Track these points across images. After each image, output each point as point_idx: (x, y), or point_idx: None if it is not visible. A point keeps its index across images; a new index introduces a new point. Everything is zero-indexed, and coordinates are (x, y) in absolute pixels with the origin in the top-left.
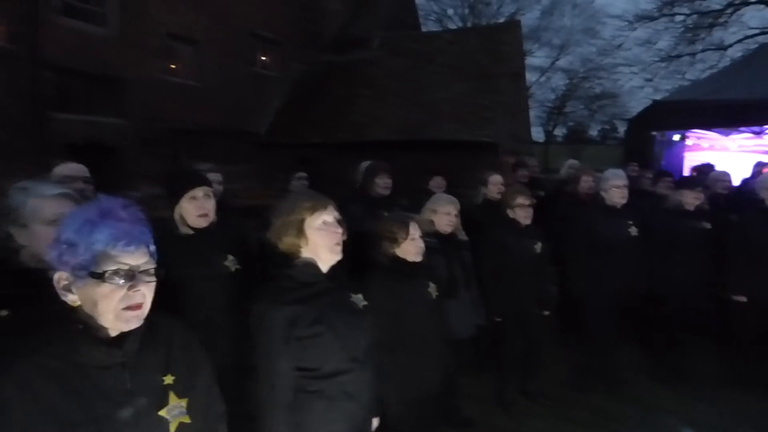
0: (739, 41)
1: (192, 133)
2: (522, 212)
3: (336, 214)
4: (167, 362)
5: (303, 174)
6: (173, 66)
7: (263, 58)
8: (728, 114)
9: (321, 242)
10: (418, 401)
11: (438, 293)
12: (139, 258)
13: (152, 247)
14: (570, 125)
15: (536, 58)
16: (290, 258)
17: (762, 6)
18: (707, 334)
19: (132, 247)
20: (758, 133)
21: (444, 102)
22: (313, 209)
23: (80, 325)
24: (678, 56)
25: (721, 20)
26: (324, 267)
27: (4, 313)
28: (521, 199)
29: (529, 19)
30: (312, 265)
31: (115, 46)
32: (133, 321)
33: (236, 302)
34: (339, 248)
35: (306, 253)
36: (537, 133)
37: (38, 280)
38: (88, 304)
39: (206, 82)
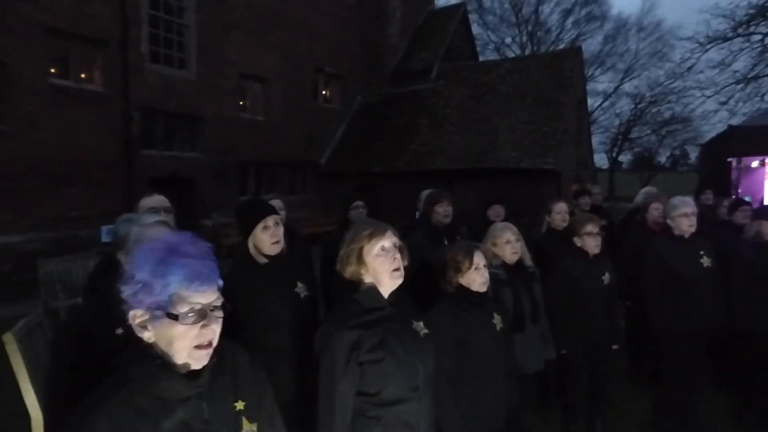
0: None
1: (259, 164)
2: (591, 241)
3: (395, 239)
4: (236, 388)
5: (360, 203)
6: (244, 103)
7: (326, 92)
8: None
9: (380, 268)
10: None
11: (503, 325)
12: (210, 296)
13: (221, 282)
14: (636, 151)
15: (599, 83)
16: (356, 285)
17: None
18: None
19: (204, 286)
20: None
21: (505, 130)
22: (371, 236)
23: (158, 361)
24: (756, 77)
25: None
26: (385, 292)
27: (120, 331)
28: (590, 227)
29: (591, 44)
30: (374, 291)
31: (194, 87)
32: (204, 359)
33: (307, 328)
34: (399, 274)
35: (368, 279)
36: (600, 160)
37: None
38: (163, 341)
39: (273, 117)
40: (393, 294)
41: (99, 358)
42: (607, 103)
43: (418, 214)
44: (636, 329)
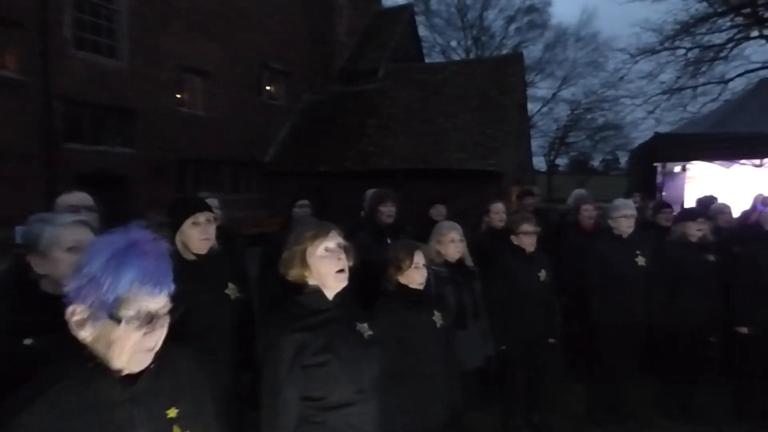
0: (740, 75)
1: (199, 161)
2: (527, 239)
3: (339, 239)
4: (173, 394)
5: (305, 202)
6: (183, 97)
7: (271, 89)
8: (729, 146)
9: (324, 270)
10: None
11: (443, 322)
12: (160, 301)
13: (173, 287)
14: (572, 155)
15: (539, 89)
16: (299, 288)
17: (763, 41)
18: (716, 367)
19: (156, 290)
20: (758, 166)
21: (450, 131)
22: (315, 237)
23: (92, 362)
24: (680, 89)
25: (723, 54)
26: (330, 294)
27: (29, 341)
28: (526, 227)
29: (532, 51)
30: (319, 293)
31: (127, 77)
32: (143, 363)
33: (237, 330)
34: (343, 275)
35: (312, 281)
36: (539, 163)
37: (60, 308)
38: (102, 343)
39: (215, 112)
40: (338, 295)
41: (2, 371)
42: (545, 109)
43: (363, 213)
44: (572, 324)
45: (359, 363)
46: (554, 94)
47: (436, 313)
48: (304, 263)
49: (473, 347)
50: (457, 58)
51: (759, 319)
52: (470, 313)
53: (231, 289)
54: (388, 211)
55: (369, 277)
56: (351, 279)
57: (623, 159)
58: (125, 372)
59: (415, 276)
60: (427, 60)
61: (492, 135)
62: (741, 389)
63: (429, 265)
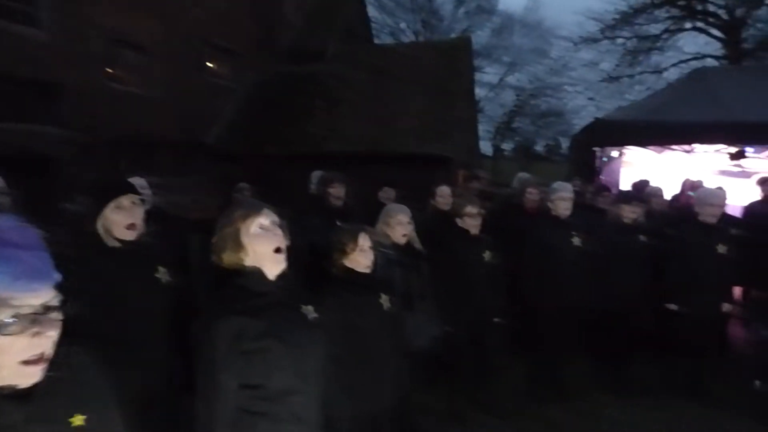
0: (674, 65)
1: (137, 143)
2: (471, 221)
3: (273, 217)
4: (74, 400)
5: (245, 185)
6: (116, 73)
7: (214, 66)
8: (661, 133)
9: (260, 248)
10: (371, 417)
11: (391, 305)
12: (44, 295)
13: (57, 276)
14: (517, 140)
15: (486, 74)
16: (237, 272)
17: (696, 33)
18: (649, 344)
19: (35, 284)
20: (688, 152)
21: (400, 115)
22: (246, 216)
23: None
24: (618, 77)
25: (658, 45)
26: (270, 275)
27: None
28: (470, 209)
29: (480, 36)
30: (259, 274)
31: (50, 49)
32: (35, 375)
33: (170, 317)
34: (281, 254)
35: (249, 263)
36: (485, 147)
37: None
38: None
39: (152, 90)
40: (280, 277)
41: None
42: (492, 94)
43: (311, 193)
44: (515, 304)
45: (303, 348)
46: (501, 80)
47: (383, 296)
48: (238, 245)
49: (420, 329)
50: (406, 40)
51: (687, 297)
52: (417, 295)
53: (162, 273)
54: (336, 194)
55: (317, 261)
56: (298, 262)
57: (565, 144)
58: (16, 389)
59: (360, 259)
60: (376, 41)
61: (441, 119)
62: (670, 363)
63: (376, 247)
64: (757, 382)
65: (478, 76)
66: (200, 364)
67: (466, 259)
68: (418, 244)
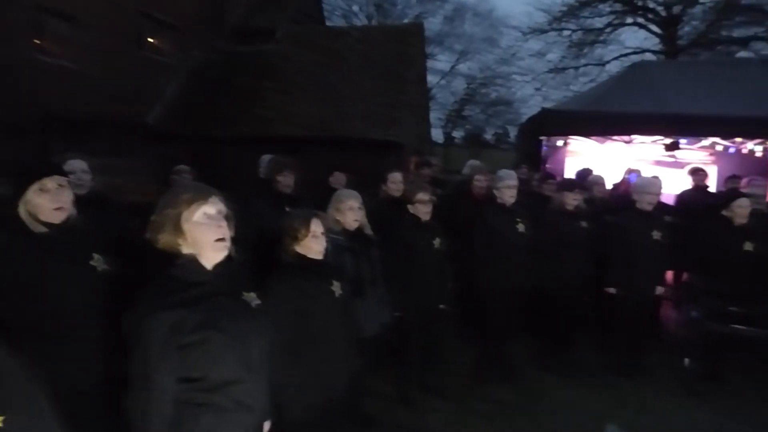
0: (616, 58)
1: (68, 120)
2: (422, 208)
3: (220, 206)
4: None
5: (185, 167)
6: (44, 44)
7: (155, 42)
8: (603, 124)
9: (201, 237)
10: (322, 404)
11: (342, 291)
12: None
13: None
14: (468, 128)
15: (438, 61)
16: (172, 257)
17: (636, 28)
18: (589, 325)
19: None
20: (628, 143)
21: (352, 99)
22: (192, 201)
23: None
24: (564, 69)
25: (602, 38)
26: (208, 264)
27: None
28: (422, 196)
29: (432, 23)
30: (195, 263)
31: None
32: None
33: (107, 308)
34: (224, 244)
35: (186, 250)
36: (437, 135)
37: None
38: None
39: (86, 64)
40: (219, 265)
41: None
42: (444, 82)
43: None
44: (463, 289)
45: (246, 336)
46: (452, 68)
47: (335, 282)
48: (177, 229)
49: (371, 315)
50: (358, 23)
51: (625, 281)
52: (368, 281)
53: (97, 261)
54: (285, 181)
55: (266, 247)
56: (246, 249)
57: (513, 133)
58: None
59: (312, 245)
60: (328, 23)
61: (393, 105)
62: (611, 344)
63: (327, 233)
64: (687, 360)
65: (430, 63)
66: (132, 362)
67: (417, 245)
68: (368, 230)
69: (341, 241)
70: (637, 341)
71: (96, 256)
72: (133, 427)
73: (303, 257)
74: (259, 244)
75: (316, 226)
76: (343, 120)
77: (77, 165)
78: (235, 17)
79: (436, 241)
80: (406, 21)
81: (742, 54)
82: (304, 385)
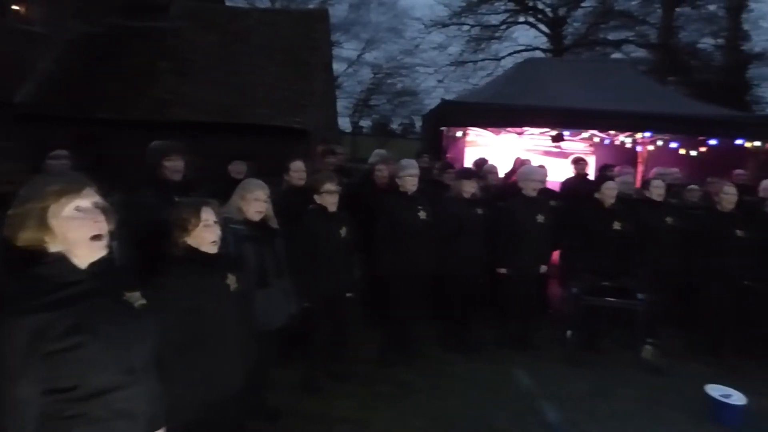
0: (510, 54)
1: None
2: (330, 198)
3: (96, 198)
4: None
5: (63, 152)
6: None
7: (21, 10)
8: (498, 116)
9: (73, 234)
10: (218, 403)
11: (238, 285)
12: None
13: None
14: (375, 118)
15: (345, 49)
16: (35, 256)
17: (527, 27)
18: (485, 305)
19: None
20: (520, 134)
21: (255, 85)
22: (60, 194)
23: None
24: (464, 62)
25: (497, 35)
26: (83, 263)
27: None
28: (329, 186)
29: (338, 9)
30: (65, 262)
31: None
32: None
33: None
34: (101, 242)
35: (54, 248)
36: (344, 124)
37: None
38: None
39: None
40: (96, 263)
41: None
42: (351, 70)
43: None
44: (368, 277)
45: (127, 339)
46: (359, 56)
47: (229, 276)
48: (43, 225)
49: (276, 306)
50: (261, 5)
51: (513, 262)
52: (272, 273)
53: None
54: (173, 167)
55: (154, 241)
56: (132, 244)
57: (418, 124)
58: None
59: (205, 235)
60: (228, 3)
61: (298, 92)
62: (503, 321)
63: (225, 224)
64: (569, 332)
65: (336, 50)
66: None
67: (323, 236)
68: (274, 222)
69: (242, 231)
70: (527, 317)
71: None
72: None
73: (194, 250)
74: (146, 237)
75: (208, 215)
76: (247, 105)
77: None
78: None
79: (343, 231)
80: (311, 6)
81: (617, 55)
82: (196, 385)
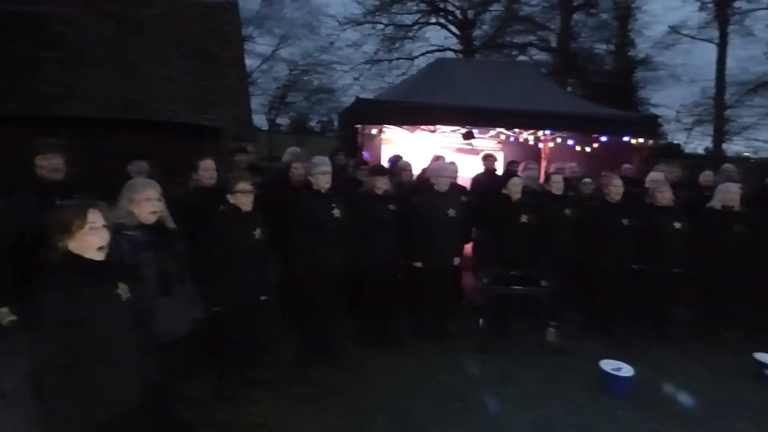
0: (423, 54)
1: None
2: (244, 198)
3: None
4: None
5: None
6: None
7: None
8: (411, 114)
9: None
10: (110, 423)
11: (130, 294)
12: None
13: None
14: (292, 115)
15: (258, 45)
16: None
17: (439, 27)
18: (401, 298)
19: None
20: (433, 132)
21: (160, 78)
22: None
23: None
24: (379, 61)
25: (411, 34)
26: None
27: None
28: (243, 185)
29: (250, 3)
30: None
31: None
32: None
33: None
34: None
35: None
36: (260, 121)
37: None
38: None
39: None
40: None
41: None
42: (265, 66)
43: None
44: (284, 276)
45: None
46: (273, 52)
47: (120, 284)
48: None
49: (179, 314)
50: None
51: (427, 255)
52: (175, 278)
53: None
54: (49, 165)
55: (30, 249)
56: (4, 253)
57: (336, 121)
58: None
59: (91, 239)
60: None
61: (208, 87)
62: (418, 313)
63: (117, 229)
64: (481, 321)
65: (249, 45)
66: None
67: (236, 237)
68: (171, 223)
69: (137, 236)
70: (442, 308)
71: None
72: None
73: (77, 257)
74: (21, 244)
75: (95, 217)
76: (149, 101)
77: None
78: None
79: (257, 232)
80: None
81: (522, 58)
82: (84, 405)
